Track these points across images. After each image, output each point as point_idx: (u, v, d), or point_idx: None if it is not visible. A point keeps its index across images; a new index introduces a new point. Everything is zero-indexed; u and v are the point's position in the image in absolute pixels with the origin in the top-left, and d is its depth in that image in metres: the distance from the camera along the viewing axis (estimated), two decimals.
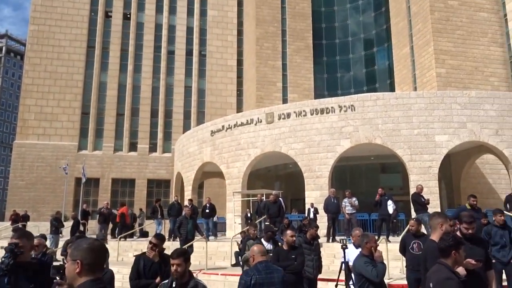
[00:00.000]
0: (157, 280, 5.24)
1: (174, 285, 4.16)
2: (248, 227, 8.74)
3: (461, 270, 3.70)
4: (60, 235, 19.19)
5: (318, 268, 7.73)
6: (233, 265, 12.97)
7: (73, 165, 34.49)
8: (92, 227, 24.41)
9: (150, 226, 22.09)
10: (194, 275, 5.40)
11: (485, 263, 4.68)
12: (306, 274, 7.60)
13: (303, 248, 7.75)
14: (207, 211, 18.73)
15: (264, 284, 4.18)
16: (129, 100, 39.71)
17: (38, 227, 23.83)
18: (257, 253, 4.53)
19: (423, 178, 17.47)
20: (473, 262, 4.09)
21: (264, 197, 17.61)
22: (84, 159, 33.89)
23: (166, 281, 4.37)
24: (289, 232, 6.58)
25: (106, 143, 38.32)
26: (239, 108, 40.84)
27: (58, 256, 13.26)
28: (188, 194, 24.66)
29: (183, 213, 13.73)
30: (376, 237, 11.63)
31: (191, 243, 12.65)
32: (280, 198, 15.84)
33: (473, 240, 4.77)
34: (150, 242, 5.69)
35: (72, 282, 2.44)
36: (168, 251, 5.05)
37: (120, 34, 40.77)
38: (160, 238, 5.70)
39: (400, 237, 8.85)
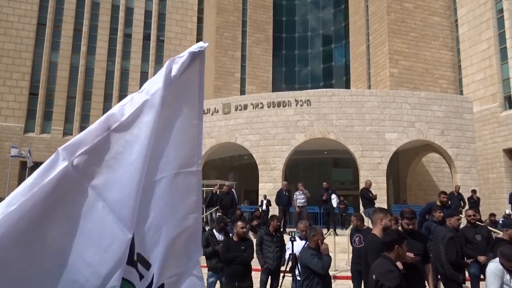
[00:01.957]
0: None
1: None
2: None
3: (398, 264, 3.88)
4: None
5: (280, 259, 7.79)
6: None
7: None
8: None
9: None
10: None
11: (423, 257, 4.94)
12: (266, 265, 7.71)
13: (263, 240, 7.86)
14: None
15: None
16: (81, 83, 38.22)
17: None
18: None
19: (373, 174, 18.10)
20: (411, 255, 4.30)
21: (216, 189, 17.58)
22: (30, 142, 32.39)
23: None
24: (239, 223, 6.62)
25: (55, 126, 36.76)
26: None
27: None
28: None
29: None
30: (325, 230, 11.95)
31: None
32: (233, 189, 15.89)
33: (413, 234, 5.02)
34: None
35: None
36: None
37: (73, 13, 38.99)
38: None
39: (348, 230, 9.14)
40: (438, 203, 9.41)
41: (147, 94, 1.36)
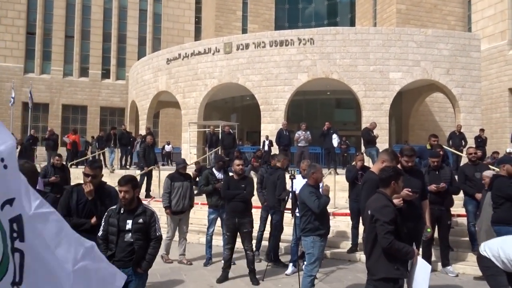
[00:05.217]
0: (93, 220, 4.42)
1: (122, 211, 4.17)
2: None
3: (397, 202, 3.90)
4: None
5: None
6: None
7: (20, 89, 32.68)
8: (42, 154, 23.77)
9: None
10: (146, 202, 5.42)
11: (421, 194, 5.00)
12: (266, 202, 7.89)
13: (264, 178, 7.98)
14: None
15: None
16: (79, 22, 37.18)
17: None
18: None
19: (375, 114, 17.99)
20: (409, 192, 4.33)
21: (219, 129, 17.64)
22: (31, 82, 32.12)
23: (114, 206, 4.31)
24: (236, 161, 6.67)
25: (54, 67, 36.25)
26: (197, 37, 39.38)
27: None
28: (143, 123, 24.24)
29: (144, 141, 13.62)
30: (326, 170, 12.08)
31: (147, 169, 12.59)
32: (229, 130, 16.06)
33: (412, 172, 5.04)
34: (85, 174, 4.46)
35: None
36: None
37: None
38: (97, 166, 4.58)
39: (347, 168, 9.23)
40: (428, 146, 9.39)
41: None
